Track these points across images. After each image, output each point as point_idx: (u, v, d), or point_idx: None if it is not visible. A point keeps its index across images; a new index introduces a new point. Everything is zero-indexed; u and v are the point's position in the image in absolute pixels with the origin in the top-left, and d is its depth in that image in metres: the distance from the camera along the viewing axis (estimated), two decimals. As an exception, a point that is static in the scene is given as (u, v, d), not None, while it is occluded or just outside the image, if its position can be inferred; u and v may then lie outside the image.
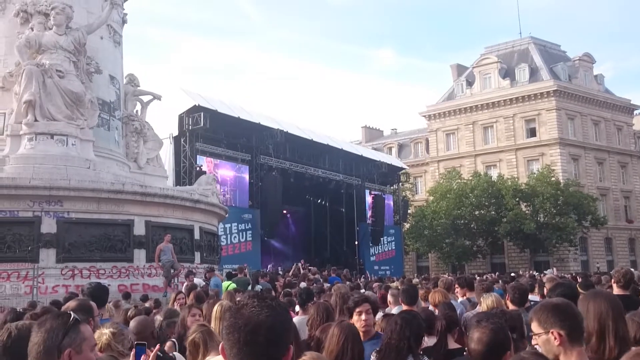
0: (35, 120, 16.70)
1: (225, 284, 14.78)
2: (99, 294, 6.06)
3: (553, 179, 48.24)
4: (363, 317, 4.83)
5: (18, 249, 15.46)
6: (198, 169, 29.44)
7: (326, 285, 14.54)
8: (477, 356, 3.05)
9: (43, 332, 2.50)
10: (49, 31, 17.56)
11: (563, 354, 2.90)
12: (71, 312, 2.66)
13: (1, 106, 17.82)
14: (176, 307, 7.83)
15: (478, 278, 16.97)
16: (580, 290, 6.27)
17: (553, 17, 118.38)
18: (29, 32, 17.56)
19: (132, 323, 4.93)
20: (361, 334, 4.71)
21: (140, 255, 17.02)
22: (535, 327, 3.01)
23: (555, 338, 2.90)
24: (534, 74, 57.79)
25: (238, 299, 6.87)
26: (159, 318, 6.77)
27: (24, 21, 18.05)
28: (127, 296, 12.61)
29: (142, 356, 3.28)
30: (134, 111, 21.57)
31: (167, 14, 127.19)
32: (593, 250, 55.15)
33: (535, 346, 3.06)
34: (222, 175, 31.75)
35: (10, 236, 15.49)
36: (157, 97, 22.38)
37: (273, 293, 12.93)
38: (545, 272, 28.68)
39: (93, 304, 5.65)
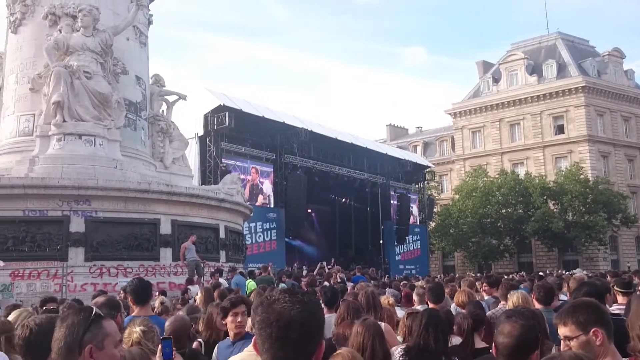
0: (64, 120, 16.98)
1: (248, 282, 14.81)
2: (141, 289, 5.85)
3: (582, 176, 47.38)
4: (238, 318, 4.84)
5: (48, 248, 15.79)
6: (223, 168, 29.64)
7: (350, 284, 14.46)
8: (504, 350, 2.96)
9: (65, 327, 2.44)
10: (77, 33, 17.83)
11: (602, 353, 2.82)
12: (93, 307, 2.61)
13: (30, 107, 18.20)
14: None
15: (505, 278, 16.75)
16: (617, 289, 6.09)
17: (581, 12, 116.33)
18: (57, 34, 17.84)
19: (167, 324, 4.93)
20: (231, 334, 4.81)
21: (166, 253, 17.21)
22: (571, 330, 2.86)
23: (598, 337, 2.82)
24: (561, 70, 56.82)
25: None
26: (181, 314, 6.81)
27: (52, 23, 18.35)
28: (162, 294, 12.66)
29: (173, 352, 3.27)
30: (160, 111, 21.79)
31: (193, 15, 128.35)
32: (623, 249, 54.04)
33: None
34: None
35: (40, 235, 15.82)
36: (182, 97, 22.56)
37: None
38: (573, 271, 28.09)
39: (119, 300, 5.68)
